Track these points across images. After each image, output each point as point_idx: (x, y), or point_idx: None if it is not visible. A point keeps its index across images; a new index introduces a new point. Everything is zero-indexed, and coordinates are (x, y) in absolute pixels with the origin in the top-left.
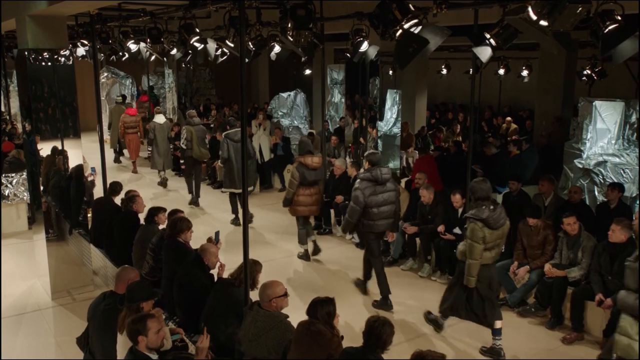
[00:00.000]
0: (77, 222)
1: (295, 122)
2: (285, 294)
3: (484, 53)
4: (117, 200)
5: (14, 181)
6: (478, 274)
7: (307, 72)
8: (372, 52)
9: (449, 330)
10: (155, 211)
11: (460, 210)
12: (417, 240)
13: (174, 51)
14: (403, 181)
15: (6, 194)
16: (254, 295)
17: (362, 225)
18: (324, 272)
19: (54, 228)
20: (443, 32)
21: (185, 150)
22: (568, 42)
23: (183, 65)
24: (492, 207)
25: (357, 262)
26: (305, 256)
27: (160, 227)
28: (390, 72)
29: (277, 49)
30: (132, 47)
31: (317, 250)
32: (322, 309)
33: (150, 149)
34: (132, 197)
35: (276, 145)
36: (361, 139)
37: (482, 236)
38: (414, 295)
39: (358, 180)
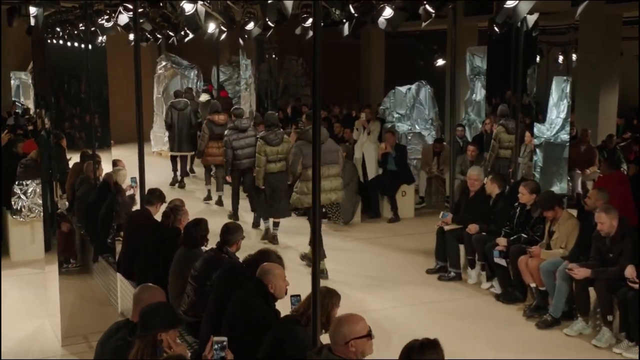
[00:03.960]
0: (104, 245)
1: (417, 126)
2: (369, 335)
3: None
4: (159, 216)
5: (29, 191)
6: (265, 179)
7: (440, 62)
8: (525, 8)
9: None
10: (194, 229)
11: None
12: (591, 290)
13: (250, 25)
14: (573, 212)
15: (18, 208)
16: (327, 339)
17: (234, 164)
18: (447, 328)
19: (77, 256)
20: None
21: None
22: None
23: (267, 56)
24: (277, 130)
25: (495, 319)
26: (208, 197)
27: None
28: (560, 57)
29: (387, 12)
30: (187, 7)
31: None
32: (423, 357)
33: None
34: (175, 209)
35: (386, 157)
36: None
37: (264, 150)
38: None
39: (226, 130)
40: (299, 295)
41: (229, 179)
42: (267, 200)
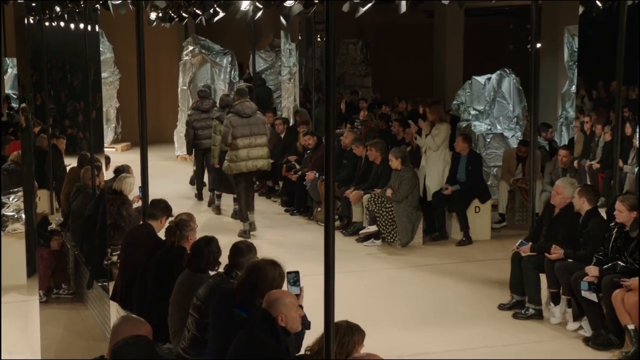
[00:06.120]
0: (100, 268)
1: (499, 126)
2: None
3: None
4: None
5: (17, 200)
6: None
7: (537, 45)
8: None
9: None
10: (205, 248)
11: None
12: None
13: (289, 1)
14: None
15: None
16: None
17: (195, 143)
18: None
19: (70, 281)
20: None
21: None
22: None
23: (319, 39)
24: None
25: None
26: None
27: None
28: None
29: None
30: None
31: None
32: None
33: None
34: (181, 224)
35: (455, 165)
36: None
37: (219, 129)
38: None
39: (189, 110)
40: (296, 273)
41: (190, 158)
42: (218, 175)
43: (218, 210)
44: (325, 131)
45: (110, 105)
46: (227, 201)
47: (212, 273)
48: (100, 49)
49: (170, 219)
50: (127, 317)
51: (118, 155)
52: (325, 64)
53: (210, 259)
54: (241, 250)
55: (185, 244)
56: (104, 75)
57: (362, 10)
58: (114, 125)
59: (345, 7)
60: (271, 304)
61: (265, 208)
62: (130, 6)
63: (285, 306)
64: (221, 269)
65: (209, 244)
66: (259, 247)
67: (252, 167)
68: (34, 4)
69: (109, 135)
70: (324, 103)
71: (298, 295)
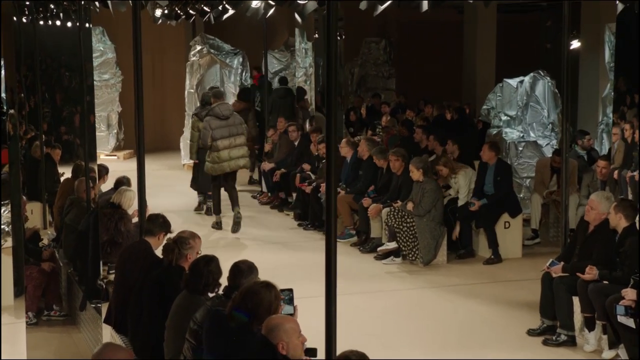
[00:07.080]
0: (94, 288)
1: (532, 133)
2: None
3: None
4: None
5: (7, 212)
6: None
7: (575, 44)
8: None
9: None
10: (205, 268)
11: None
12: None
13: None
14: None
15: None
16: None
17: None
18: None
19: (61, 302)
20: None
21: None
22: None
23: (337, 37)
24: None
25: None
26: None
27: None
28: None
29: None
30: None
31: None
32: None
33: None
34: (181, 241)
35: (482, 176)
36: None
37: (197, 126)
38: None
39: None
40: (290, 290)
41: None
42: (196, 174)
43: (207, 211)
44: (327, 137)
45: (111, 109)
46: (227, 215)
47: (211, 295)
48: (102, 48)
49: (169, 235)
50: (107, 344)
51: (120, 163)
52: (327, 69)
53: (209, 280)
54: (242, 271)
55: (183, 263)
56: (105, 77)
57: (381, 8)
58: (115, 131)
59: (363, 6)
60: (271, 330)
61: (277, 221)
62: (131, 3)
63: (286, 332)
64: (221, 291)
65: (209, 264)
66: (269, 265)
67: (235, 166)
68: (27, 2)
69: (110, 142)
70: (343, 107)
71: (292, 314)
